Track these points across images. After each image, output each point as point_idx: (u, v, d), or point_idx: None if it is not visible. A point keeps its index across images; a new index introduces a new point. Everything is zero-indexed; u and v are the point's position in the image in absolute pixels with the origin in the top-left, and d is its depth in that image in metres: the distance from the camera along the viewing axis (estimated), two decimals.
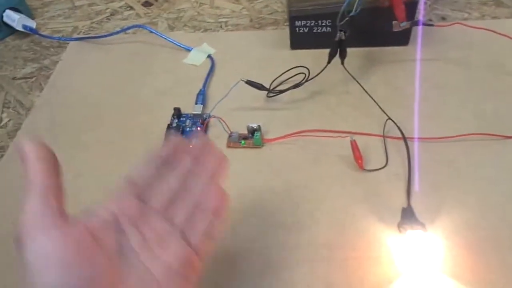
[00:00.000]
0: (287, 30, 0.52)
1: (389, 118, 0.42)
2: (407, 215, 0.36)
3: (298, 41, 0.52)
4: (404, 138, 0.40)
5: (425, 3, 0.57)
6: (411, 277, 0.32)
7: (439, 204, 0.36)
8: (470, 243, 0.34)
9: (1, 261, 0.34)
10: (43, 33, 0.58)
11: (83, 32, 0.60)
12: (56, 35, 0.59)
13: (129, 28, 0.57)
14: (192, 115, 0.46)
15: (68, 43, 0.57)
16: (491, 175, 0.38)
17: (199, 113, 0.46)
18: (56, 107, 0.49)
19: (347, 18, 0.44)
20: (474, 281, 0.32)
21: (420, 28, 0.48)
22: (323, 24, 0.49)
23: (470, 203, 0.36)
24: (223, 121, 0.44)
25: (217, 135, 0.44)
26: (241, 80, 0.45)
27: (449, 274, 0.32)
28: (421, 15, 0.48)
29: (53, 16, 0.63)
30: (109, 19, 0.61)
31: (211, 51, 0.53)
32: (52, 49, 0.57)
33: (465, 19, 0.54)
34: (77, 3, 0.64)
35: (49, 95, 0.51)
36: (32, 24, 0.58)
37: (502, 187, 0.37)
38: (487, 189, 0.37)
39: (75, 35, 0.59)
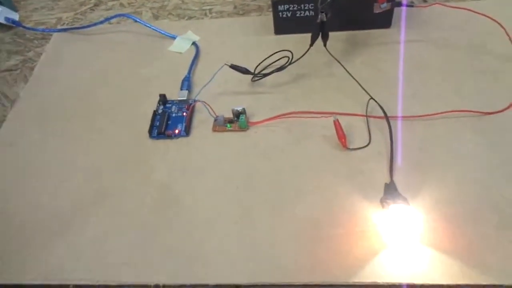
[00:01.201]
0: (270, 17, 0.52)
1: (372, 98, 0.43)
2: (390, 191, 0.36)
3: (281, 26, 0.52)
4: (386, 117, 0.41)
5: None
6: (394, 249, 0.33)
7: (421, 179, 0.37)
8: (449, 216, 0.35)
9: None
10: (26, 25, 0.58)
11: (67, 24, 0.59)
12: (39, 27, 0.58)
13: (113, 17, 0.57)
14: (177, 101, 0.46)
15: (52, 35, 0.57)
16: (470, 151, 0.39)
17: (185, 98, 0.46)
18: (42, 98, 0.49)
19: (328, 0, 0.44)
20: (451, 250, 0.33)
21: (400, 10, 0.49)
22: (306, 8, 0.50)
23: (449, 178, 0.37)
24: (208, 105, 0.44)
25: (202, 119, 0.44)
26: (225, 64, 0.45)
27: (429, 244, 0.33)
28: None
29: (36, 8, 0.63)
30: (93, 10, 0.61)
31: (196, 38, 0.54)
32: (36, 41, 0.57)
33: (446, 0, 0.55)
34: None
35: (34, 86, 0.51)
36: (15, 16, 0.58)
37: (481, 162, 0.38)
38: (466, 165, 0.38)
39: (59, 27, 0.59)
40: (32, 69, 0.53)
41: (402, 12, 0.51)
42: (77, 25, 0.59)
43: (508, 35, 0.46)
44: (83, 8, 0.62)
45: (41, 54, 0.55)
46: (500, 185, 0.36)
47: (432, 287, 0.32)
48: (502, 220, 0.34)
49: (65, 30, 0.57)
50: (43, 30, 0.58)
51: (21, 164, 0.43)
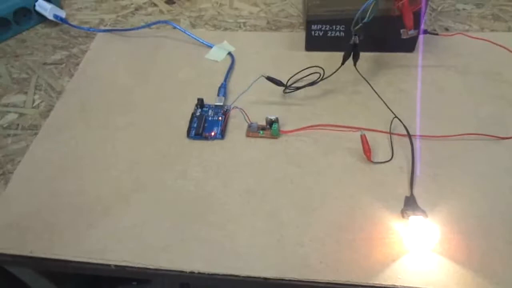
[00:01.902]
0: (301, 33, 0.56)
1: (396, 117, 0.46)
2: (410, 203, 0.40)
3: (313, 44, 0.56)
4: (409, 135, 0.44)
5: (430, 14, 0.61)
6: (412, 257, 0.36)
7: (439, 194, 0.40)
8: (464, 229, 0.38)
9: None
10: (72, 23, 0.62)
11: (109, 25, 0.63)
12: (84, 26, 0.62)
13: (154, 23, 0.60)
14: (214, 106, 0.49)
15: (95, 34, 0.61)
16: (485, 170, 0.42)
17: (221, 104, 0.49)
18: (86, 92, 0.53)
19: (360, 24, 0.48)
20: (465, 261, 0.36)
21: (423, 37, 0.53)
22: (337, 29, 0.54)
23: (465, 194, 0.40)
24: (244, 112, 0.47)
25: (237, 125, 0.48)
26: (262, 76, 0.49)
27: (444, 254, 0.36)
28: (421, 24, 0.52)
29: (80, 8, 0.66)
30: (133, 14, 0.65)
31: (231, 48, 0.57)
32: (80, 39, 0.61)
33: (466, 30, 0.58)
34: None
35: (78, 80, 0.54)
36: (62, 14, 0.62)
37: (494, 182, 0.41)
38: (481, 183, 0.41)
39: (101, 27, 0.63)
40: (76, 64, 0.57)
41: (424, 39, 0.54)
42: (118, 27, 0.62)
43: None
44: (125, 11, 0.65)
45: (85, 51, 0.58)
46: (510, 203, 0.39)
47: None
48: None
49: (108, 30, 0.61)
50: (88, 29, 0.61)
51: (67, 152, 0.46)
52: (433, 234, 0.37)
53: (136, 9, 0.66)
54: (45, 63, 0.57)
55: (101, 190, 0.43)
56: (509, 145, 0.44)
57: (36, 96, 0.53)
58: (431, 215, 0.38)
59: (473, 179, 0.42)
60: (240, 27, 0.62)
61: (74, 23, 0.63)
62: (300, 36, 0.57)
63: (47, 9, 0.60)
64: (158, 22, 0.60)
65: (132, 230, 0.40)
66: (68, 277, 0.54)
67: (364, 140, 0.43)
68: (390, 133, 0.46)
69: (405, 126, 0.45)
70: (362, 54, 0.52)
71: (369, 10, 0.48)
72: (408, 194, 0.40)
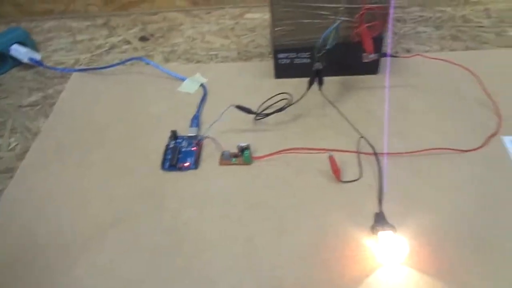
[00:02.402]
0: (271, 62, 0.58)
1: (362, 137, 0.48)
2: (379, 219, 0.41)
3: (281, 71, 0.58)
4: (375, 154, 0.46)
5: (392, 37, 0.65)
6: (384, 271, 0.37)
7: (406, 209, 0.42)
8: (432, 242, 0.39)
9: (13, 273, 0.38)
10: (47, 65, 0.64)
11: (84, 64, 0.65)
12: (59, 67, 0.64)
13: (127, 60, 0.62)
14: (187, 137, 0.51)
15: (71, 74, 0.63)
16: (450, 183, 0.44)
17: (194, 135, 0.51)
18: (62, 131, 0.54)
19: (323, 51, 0.50)
20: (434, 272, 0.37)
21: (385, 59, 0.56)
22: (303, 56, 0.56)
23: (432, 207, 0.42)
24: (217, 141, 0.49)
25: (210, 154, 0.49)
26: (231, 105, 0.50)
27: (413, 267, 0.37)
28: (381, 48, 0.55)
29: (56, 49, 0.68)
30: (108, 52, 0.67)
31: (203, 80, 0.59)
32: (55, 80, 0.62)
33: (427, 51, 0.61)
34: (78, 38, 0.70)
35: (54, 121, 0.56)
36: (38, 56, 0.63)
37: (459, 193, 0.43)
38: (446, 196, 0.43)
39: (76, 67, 0.64)
40: (52, 105, 0.58)
41: (387, 61, 0.57)
42: (93, 65, 0.64)
43: (478, 81, 0.53)
44: (99, 50, 0.67)
45: (60, 91, 0.60)
46: (476, 214, 0.41)
47: None
48: (479, 245, 0.39)
49: (83, 70, 0.63)
50: (63, 70, 0.63)
51: (43, 193, 0.47)
52: (403, 248, 0.38)
53: (111, 48, 0.68)
54: (20, 106, 0.58)
55: (78, 227, 0.43)
56: (471, 157, 0.46)
57: (12, 139, 0.54)
58: (400, 230, 0.40)
59: (439, 192, 0.43)
60: (212, 59, 0.64)
61: (50, 64, 0.65)
62: (269, 64, 0.59)
63: (22, 53, 0.62)
64: (132, 59, 0.62)
65: (110, 265, 0.40)
66: None
67: (332, 161, 0.45)
68: (358, 152, 0.47)
69: (371, 145, 0.47)
70: (329, 78, 0.55)
71: (331, 38, 0.50)
72: (377, 211, 0.42)
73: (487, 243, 0.39)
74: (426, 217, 0.41)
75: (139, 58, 0.62)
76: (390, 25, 0.51)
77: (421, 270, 0.37)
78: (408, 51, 0.62)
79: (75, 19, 0.74)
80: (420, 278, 0.37)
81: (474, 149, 0.47)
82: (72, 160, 0.50)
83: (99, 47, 0.68)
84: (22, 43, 0.64)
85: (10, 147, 0.53)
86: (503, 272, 0.37)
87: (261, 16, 0.71)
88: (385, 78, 0.57)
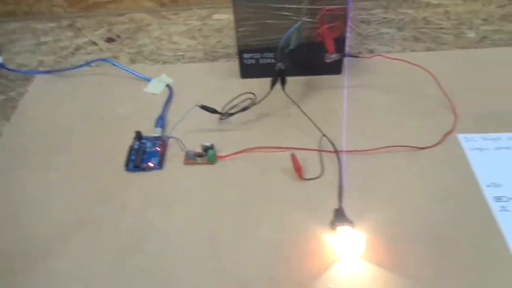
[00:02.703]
0: (237, 62, 0.59)
1: (324, 135, 0.49)
2: (338, 215, 0.42)
3: (246, 71, 0.59)
4: (336, 152, 0.47)
5: (356, 38, 0.66)
6: (342, 264, 0.38)
7: (365, 204, 0.43)
8: (389, 236, 0.40)
9: None
10: (9, 67, 0.62)
11: (49, 66, 0.64)
12: (22, 69, 0.63)
13: (93, 61, 0.62)
14: (152, 137, 0.51)
15: (34, 76, 0.62)
16: (407, 180, 0.45)
17: (159, 135, 0.51)
18: (24, 134, 0.53)
19: (286, 52, 0.51)
20: (390, 265, 0.38)
21: (348, 60, 0.57)
22: (268, 56, 0.57)
23: (389, 203, 0.43)
24: (180, 141, 0.49)
25: (175, 154, 0.49)
26: (196, 105, 0.51)
27: (370, 261, 0.39)
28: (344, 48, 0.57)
29: (19, 51, 0.67)
30: (73, 54, 0.66)
31: (169, 80, 0.59)
32: (18, 82, 0.61)
33: (389, 52, 0.63)
34: (42, 39, 0.69)
35: (17, 123, 0.55)
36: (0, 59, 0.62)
37: (416, 190, 0.44)
38: (404, 192, 0.44)
39: (40, 69, 0.63)
40: (14, 107, 0.57)
41: (350, 62, 0.59)
42: (58, 67, 0.63)
43: (436, 81, 0.54)
44: (64, 52, 0.67)
45: (23, 94, 0.59)
46: (432, 209, 0.42)
47: None
48: (434, 239, 0.40)
49: (46, 72, 0.62)
50: (25, 72, 0.62)
51: (5, 198, 0.46)
52: (360, 242, 0.39)
53: (76, 49, 0.67)
54: None
55: (42, 232, 0.43)
56: (428, 154, 0.48)
57: None
58: (358, 225, 0.41)
59: (396, 188, 0.45)
60: (178, 60, 0.64)
61: (13, 66, 0.63)
62: (236, 65, 0.59)
63: None
64: (97, 60, 0.62)
65: (74, 269, 0.40)
66: None
67: (294, 159, 0.46)
68: (320, 150, 0.48)
69: (332, 143, 0.48)
70: (294, 78, 0.56)
71: (293, 38, 0.51)
72: (337, 207, 0.43)
73: (440, 237, 0.40)
74: (383, 213, 0.42)
75: (105, 60, 0.62)
76: (349, 26, 0.52)
77: (377, 263, 0.38)
78: (371, 51, 0.64)
79: (39, 21, 0.73)
80: (376, 270, 0.38)
81: (431, 147, 0.48)
82: (35, 164, 0.49)
83: (64, 48, 0.67)
84: None
85: None
86: (454, 265, 0.38)
87: (228, 17, 0.72)
88: (348, 78, 0.58)
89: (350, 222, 0.41)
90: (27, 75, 0.62)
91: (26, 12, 0.73)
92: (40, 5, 0.73)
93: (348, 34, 0.54)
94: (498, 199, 0.43)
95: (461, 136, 0.49)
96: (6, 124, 0.55)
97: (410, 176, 0.46)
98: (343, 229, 0.40)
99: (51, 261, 0.40)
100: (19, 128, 0.54)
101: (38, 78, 0.61)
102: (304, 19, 0.52)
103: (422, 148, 0.48)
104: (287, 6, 0.52)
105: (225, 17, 0.73)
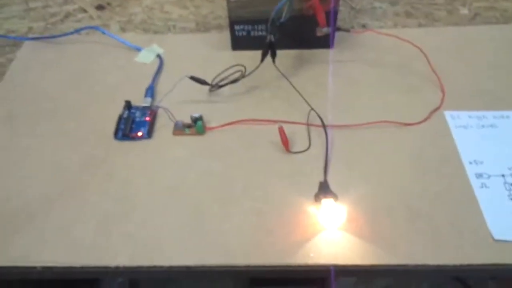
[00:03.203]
0: (229, 34, 0.58)
1: (312, 109, 0.49)
2: (323, 188, 0.43)
3: (238, 43, 0.58)
4: (324, 126, 0.48)
5: (349, 12, 0.65)
6: (324, 235, 0.40)
7: (350, 178, 0.44)
8: (369, 209, 0.41)
9: None
10: None
11: (38, 33, 0.63)
12: (11, 35, 0.62)
13: (82, 29, 0.61)
14: (141, 107, 0.51)
15: (23, 43, 0.61)
16: (390, 155, 0.46)
17: (148, 105, 0.51)
18: (12, 101, 0.53)
19: (277, 24, 0.51)
20: (369, 237, 0.39)
21: (339, 34, 0.57)
22: (259, 28, 0.56)
23: (372, 178, 0.44)
24: (169, 111, 0.49)
25: (164, 124, 0.49)
26: (186, 76, 0.51)
27: (351, 232, 0.40)
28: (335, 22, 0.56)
29: (8, 17, 0.66)
30: (63, 21, 0.65)
31: (160, 51, 0.59)
32: (7, 48, 0.61)
33: (381, 27, 0.63)
34: (31, 5, 0.67)
35: (4, 89, 0.54)
36: None
37: (398, 165, 0.45)
38: (386, 167, 0.45)
39: (30, 35, 0.62)
40: (2, 74, 0.56)
41: (341, 36, 0.58)
42: (47, 34, 0.63)
43: (426, 58, 0.55)
44: (54, 19, 0.65)
45: (12, 60, 0.58)
46: (413, 184, 0.43)
47: (352, 267, 0.38)
48: (411, 213, 0.41)
49: (35, 38, 0.61)
50: (14, 38, 0.61)
51: None
52: (342, 214, 0.41)
53: (66, 16, 0.66)
54: None
55: (26, 196, 0.43)
56: (413, 130, 0.48)
57: None
58: (341, 198, 0.42)
59: (379, 163, 0.45)
60: (170, 30, 0.64)
61: (1, 32, 0.62)
62: (227, 36, 0.59)
63: None
64: (86, 27, 0.61)
65: (58, 232, 0.40)
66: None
67: (281, 132, 0.46)
68: (308, 124, 0.49)
69: (320, 117, 0.48)
70: (285, 51, 0.56)
71: (285, 11, 0.51)
72: (322, 180, 0.44)
73: (419, 212, 0.41)
74: (366, 187, 0.43)
75: (95, 27, 0.61)
76: (341, 0, 0.51)
77: (357, 235, 0.40)
78: (363, 26, 0.64)
79: None
80: (355, 242, 0.39)
81: (417, 123, 0.49)
82: (22, 130, 0.49)
83: (53, 15, 0.66)
84: None
85: None
86: (430, 239, 0.39)
87: None
88: (339, 52, 0.58)
89: (334, 195, 0.42)
90: (16, 41, 0.61)
91: None
92: None
93: (340, 8, 0.54)
94: (479, 175, 0.44)
95: (447, 113, 0.50)
96: None
97: (395, 151, 0.47)
98: (327, 202, 0.41)
99: (38, 223, 0.41)
100: (7, 94, 0.54)
101: (27, 45, 0.61)
102: None
103: (409, 124, 0.49)
104: None
105: None
